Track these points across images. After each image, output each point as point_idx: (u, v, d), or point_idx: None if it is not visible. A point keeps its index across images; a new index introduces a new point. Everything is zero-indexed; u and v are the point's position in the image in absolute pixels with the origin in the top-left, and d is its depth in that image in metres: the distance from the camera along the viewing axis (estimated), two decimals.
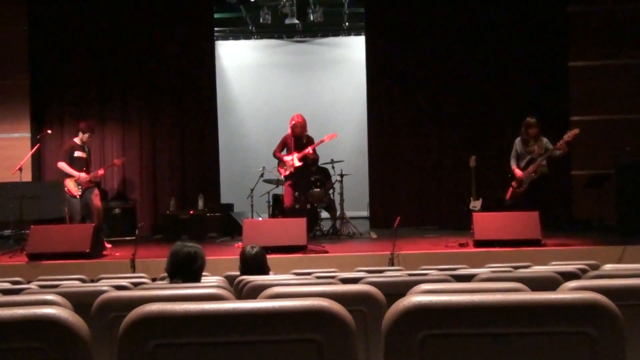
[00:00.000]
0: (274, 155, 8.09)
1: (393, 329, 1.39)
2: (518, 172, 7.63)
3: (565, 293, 1.44)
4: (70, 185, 8.01)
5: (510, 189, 7.77)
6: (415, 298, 1.40)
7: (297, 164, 7.86)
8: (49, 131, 9.36)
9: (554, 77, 9.96)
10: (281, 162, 8.01)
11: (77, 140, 8.22)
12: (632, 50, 9.69)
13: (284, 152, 8.07)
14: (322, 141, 7.88)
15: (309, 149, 7.85)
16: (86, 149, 8.24)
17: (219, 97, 10.85)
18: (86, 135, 8.16)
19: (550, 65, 9.95)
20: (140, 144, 10.29)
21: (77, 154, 8.15)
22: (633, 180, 7.88)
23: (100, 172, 8.24)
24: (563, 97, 9.91)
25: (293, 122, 7.90)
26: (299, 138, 7.88)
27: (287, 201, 8.03)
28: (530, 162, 7.61)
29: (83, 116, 9.87)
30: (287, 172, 7.90)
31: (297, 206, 7.97)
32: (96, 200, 8.15)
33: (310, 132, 8.09)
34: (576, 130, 7.39)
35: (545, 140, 7.68)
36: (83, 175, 8.02)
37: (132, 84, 10.28)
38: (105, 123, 10.17)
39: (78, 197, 7.96)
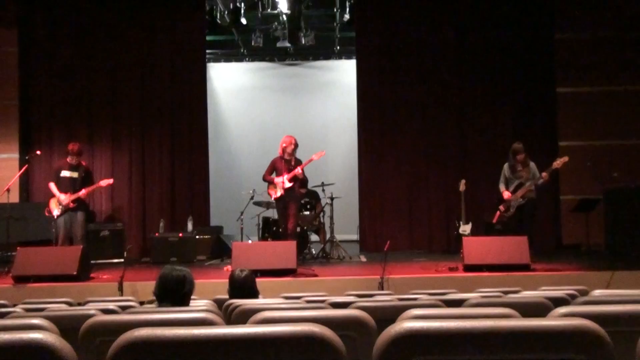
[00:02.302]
0: (264, 179, 8.13)
1: (384, 355, 1.38)
2: (507, 194, 7.69)
3: (557, 319, 1.44)
4: (51, 204, 7.97)
5: (498, 212, 7.82)
6: (406, 324, 1.40)
7: (287, 185, 7.90)
8: (38, 152, 9.32)
9: (542, 103, 10.09)
10: (271, 184, 8.02)
11: (69, 159, 8.18)
12: (617, 78, 9.85)
13: (274, 175, 8.10)
14: (311, 160, 7.91)
15: (299, 169, 7.87)
16: (78, 170, 8.18)
17: (209, 119, 10.88)
18: (70, 157, 8.13)
19: (539, 91, 10.09)
20: (130, 165, 10.26)
21: (64, 173, 8.10)
22: (621, 205, 7.96)
23: (82, 193, 8.14)
24: (551, 122, 10.04)
25: (284, 144, 7.95)
26: (288, 161, 7.94)
27: (282, 223, 8.04)
28: (519, 187, 7.67)
29: (72, 137, 9.83)
30: (278, 194, 7.90)
31: (281, 228, 8.00)
32: (77, 227, 8.03)
33: (300, 154, 8.13)
34: (565, 159, 7.47)
35: (532, 165, 7.75)
36: (63, 196, 7.96)
37: (122, 105, 10.28)
38: (94, 144, 10.15)
39: (55, 217, 7.89)
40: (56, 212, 7.92)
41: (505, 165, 7.88)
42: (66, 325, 2.48)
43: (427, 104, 10.26)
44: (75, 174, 8.16)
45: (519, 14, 10.16)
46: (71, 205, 7.99)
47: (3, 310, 3.47)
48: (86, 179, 8.29)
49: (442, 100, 10.23)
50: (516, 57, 10.13)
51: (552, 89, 10.06)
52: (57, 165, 8.35)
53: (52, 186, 8.06)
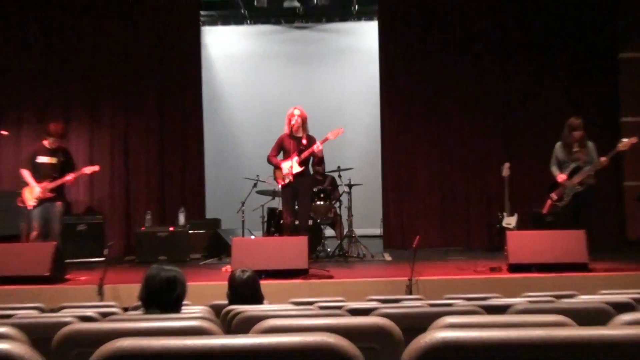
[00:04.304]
0: (269, 160, 8.02)
1: None
2: (561, 176, 7.62)
3: (619, 329, 1.43)
4: (25, 194, 8.03)
5: (549, 201, 7.77)
6: (439, 333, 1.39)
7: (298, 169, 7.79)
8: (5, 132, 9.38)
9: (601, 71, 9.97)
10: (278, 169, 7.98)
11: (45, 143, 8.23)
12: None
13: (281, 156, 8.02)
14: (326, 139, 7.80)
15: (318, 145, 7.72)
16: (57, 154, 8.23)
17: (205, 93, 10.89)
18: (51, 139, 8.17)
19: (598, 57, 9.96)
20: (111, 148, 10.33)
21: (41, 159, 8.15)
22: None
23: (68, 178, 8.19)
24: (611, 94, 9.92)
25: (292, 116, 7.84)
26: (297, 138, 7.84)
27: (286, 216, 8.03)
28: (575, 172, 7.60)
29: (44, 115, 9.91)
30: (286, 181, 7.85)
31: (296, 222, 7.96)
32: (55, 220, 8.11)
33: (311, 133, 8.04)
34: (634, 139, 7.36)
35: (591, 145, 7.67)
36: (38, 188, 8.01)
37: (102, 79, 10.32)
38: (70, 124, 10.20)
39: (30, 208, 7.96)
40: (31, 202, 7.99)
41: (558, 145, 7.79)
42: (38, 335, 2.50)
43: (464, 73, 10.19)
44: (54, 160, 8.21)
45: None
46: (48, 195, 8.05)
47: None
48: (66, 164, 8.34)
49: (482, 68, 10.16)
50: (569, 15, 10.01)
51: (613, 54, 9.94)
52: (32, 150, 8.40)
53: (26, 174, 8.12)
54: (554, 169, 7.77)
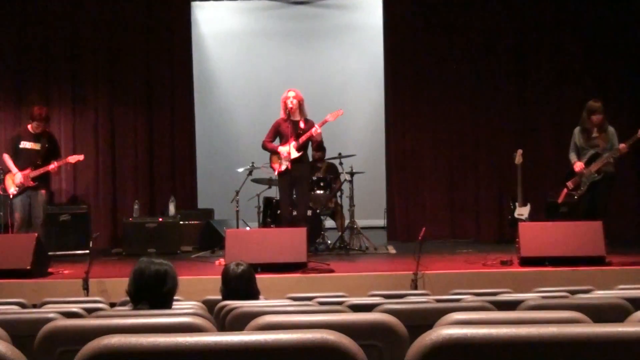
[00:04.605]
0: (264, 146, 8.03)
1: None
2: (578, 164, 7.62)
3: (637, 325, 1.44)
4: (7, 181, 8.04)
5: (565, 190, 7.77)
6: (445, 331, 1.40)
7: (295, 154, 7.79)
8: None
9: (625, 52, 9.93)
10: (274, 154, 7.97)
11: (29, 128, 8.24)
12: None
13: (277, 143, 8.02)
14: (324, 121, 7.79)
15: (316, 128, 7.71)
16: (41, 140, 8.24)
17: (196, 74, 10.85)
18: (35, 123, 8.18)
19: (621, 36, 9.91)
20: (96, 133, 10.30)
21: (24, 144, 8.17)
22: None
23: (52, 166, 8.19)
24: (636, 72, 9.88)
25: (287, 99, 7.80)
26: (294, 122, 7.83)
27: (283, 205, 8.03)
28: (593, 159, 7.59)
29: (23, 96, 9.88)
30: (283, 167, 7.86)
31: (294, 212, 7.97)
32: (38, 208, 8.14)
33: (310, 117, 8.03)
34: None
35: (612, 130, 7.66)
36: (20, 175, 8.01)
37: (86, 58, 10.27)
38: (50, 105, 10.13)
39: (11, 196, 7.98)
40: (12, 190, 7.99)
41: (577, 130, 7.78)
42: (19, 332, 2.52)
43: (474, 51, 10.15)
44: (37, 146, 8.22)
45: None
46: (31, 183, 8.07)
47: None
48: (51, 150, 8.34)
49: (495, 49, 10.11)
50: None
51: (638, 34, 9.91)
52: (15, 134, 8.43)
53: (7, 159, 8.14)
54: (572, 156, 7.76)
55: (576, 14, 10.00)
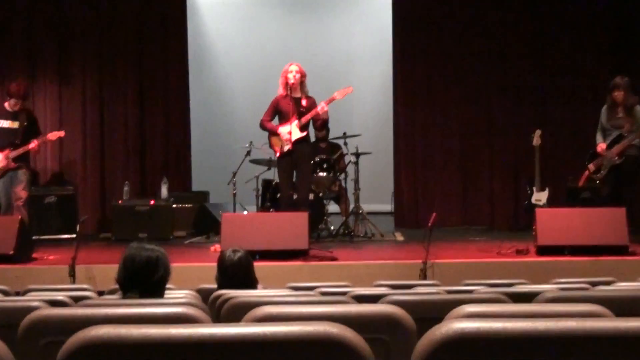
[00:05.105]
0: (262, 126, 7.97)
1: None
2: (601, 145, 7.61)
3: None
4: None
5: (586, 172, 7.76)
6: (457, 324, 1.40)
7: (298, 134, 7.76)
8: None
9: None
10: (274, 135, 7.95)
11: (6, 105, 8.25)
12: None
13: (276, 121, 7.99)
14: (332, 99, 7.77)
15: (322, 105, 7.68)
16: (19, 118, 8.25)
17: (190, 47, 10.83)
18: (12, 100, 8.19)
19: None
20: (83, 109, 10.30)
21: (1, 123, 8.18)
22: None
23: (32, 145, 8.23)
24: None
25: (288, 73, 7.75)
26: (296, 100, 7.81)
27: (284, 188, 8.03)
28: (617, 141, 7.57)
29: (6, 72, 9.85)
30: (285, 149, 7.84)
31: (295, 196, 7.97)
32: (19, 187, 8.16)
33: (316, 94, 7.99)
34: None
35: (639, 110, 7.63)
36: (0, 155, 8.04)
37: (73, 29, 10.25)
38: (35, 83, 10.16)
39: None
40: None
41: (603, 108, 7.77)
42: (1, 321, 2.53)
43: (490, 25, 10.10)
44: (15, 124, 8.24)
45: None
46: (12, 165, 8.10)
47: None
48: (30, 129, 8.35)
49: (512, 23, 10.06)
50: None
51: None
52: None
53: None
54: (598, 136, 7.75)
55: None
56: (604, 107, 7.76)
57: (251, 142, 8.99)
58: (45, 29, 10.22)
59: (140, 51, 10.40)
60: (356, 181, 8.96)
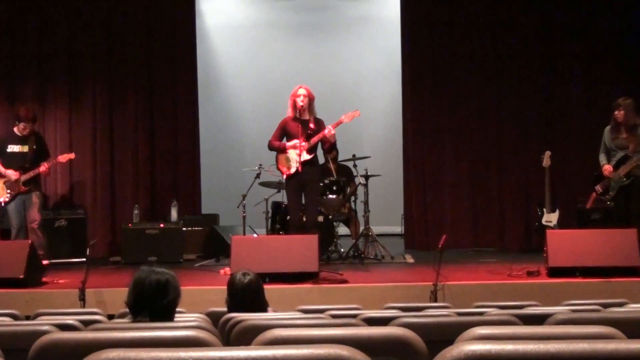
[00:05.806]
0: (270, 146, 8.00)
1: None
2: (607, 167, 7.60)
3: None
4: None
5: (593, 194, 7.74)
6: (468, 347, 1.40)
7: (306, 157, 7.79)
8: None
9: None
10: (281, 153, 7.95)
11: (16, 130, 8.34)
12: None
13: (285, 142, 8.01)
14: (339, 122, 7.80)
15: (329, 129, 7.72)
16: (29, 142, 8.32)
17: (200, 70, 10.89)
18: (21, 125, 8.27)
19: None
20: (94, 133, 10.34)
21: (11, 148, 8.27)
22: None
23: (42, 168, 8.29)
24: None
25: (297, 96, 7.80)
26: (304, 122, 7.84)
27: (293, 211, 8.03)
28: (622, 162, 7.56)
29: (15, 94, 9.93)
30: (292, 170, 7.86)
31: (305, 218, 7.97)
32: (33, 210, 8.24)
33: (324, 117, 8.03)
34: None
35: None
36: (11, 172, 8.11)
37: (83, 52, 10.32)
38: (45, 106, 10.22)
39: (3, 204, 8.09)
40: (4, 197, 8.09)
41: (606, 130, 7.76)
42: (12, 345, 2.53)
43: (499, 46, 10.13)
44: (25, 148, 8.31)
45: None
46: (23, 188, 8.17)
47: None
48: (39, 152, 8.42)
49: (520, 44, 10.10)
50: None
51: None
52: (0, 137, 8.51)
53: None
54: (602, 157, 7.74)
55: (609, 5, 9.98)
56: (607, 128, 7.75)
57: (261, 165, 9.01)
58: (56, 54, 10.29)
59: (151, 74, 10.46)
60: (366, 203, 8.96)
